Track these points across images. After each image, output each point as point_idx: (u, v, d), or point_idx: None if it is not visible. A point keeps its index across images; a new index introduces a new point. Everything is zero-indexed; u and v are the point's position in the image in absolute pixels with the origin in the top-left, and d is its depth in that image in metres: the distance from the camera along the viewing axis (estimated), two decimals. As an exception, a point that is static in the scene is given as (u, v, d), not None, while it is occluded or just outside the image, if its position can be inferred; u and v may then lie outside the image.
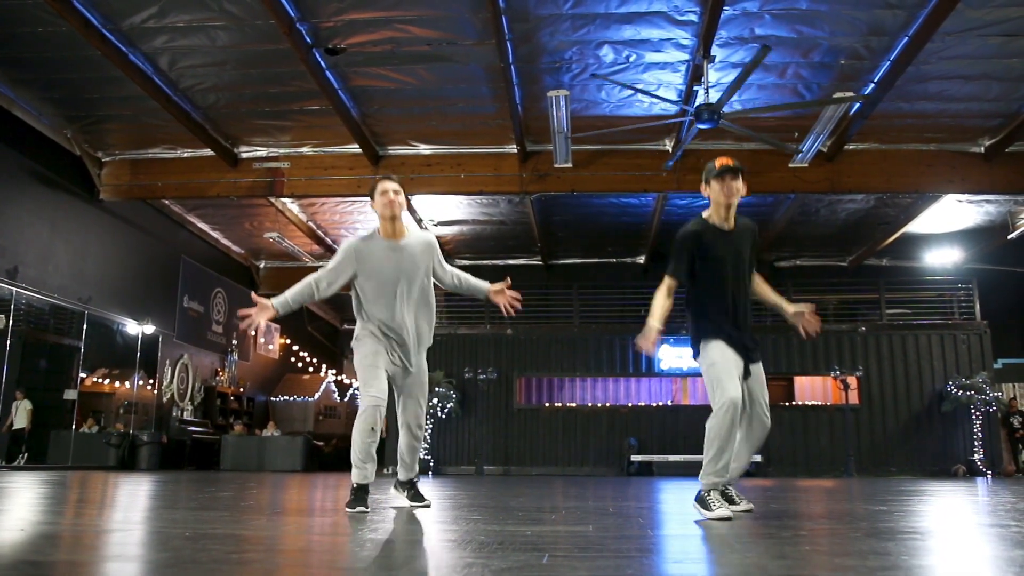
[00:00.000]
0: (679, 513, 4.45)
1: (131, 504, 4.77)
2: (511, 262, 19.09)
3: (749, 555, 2.49)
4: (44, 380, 15.10)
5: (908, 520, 3.85)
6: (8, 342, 12.79)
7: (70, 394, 15.41)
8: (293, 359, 22.57)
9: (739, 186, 4.18)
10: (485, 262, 19.11)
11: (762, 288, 4.53)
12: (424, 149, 13.55)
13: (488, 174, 13.52)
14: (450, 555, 2.44)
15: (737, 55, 10.52)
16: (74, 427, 14.83)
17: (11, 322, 12.78)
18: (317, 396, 21.27)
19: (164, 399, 16.58)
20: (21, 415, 13.96)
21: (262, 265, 20.19)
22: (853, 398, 15.91)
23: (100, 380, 16.55)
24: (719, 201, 4.21)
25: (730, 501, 4.04)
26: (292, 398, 21.20)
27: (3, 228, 11.94)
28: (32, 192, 12.63)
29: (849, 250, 18.43)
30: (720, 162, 4.18)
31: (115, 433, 15.00)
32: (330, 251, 18.39)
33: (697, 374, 17.06)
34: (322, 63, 10.79)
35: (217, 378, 18.43)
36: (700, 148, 13.20)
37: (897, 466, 15.65)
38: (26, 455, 13.86)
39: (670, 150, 13.14)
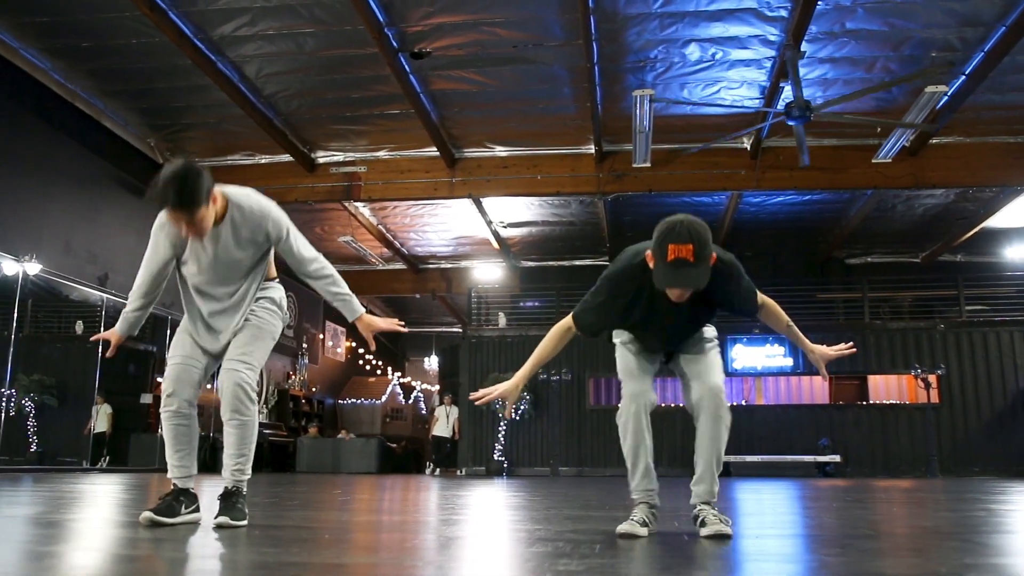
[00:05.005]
0: (755, 514, 4.40)
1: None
2: (576, 263, 19.03)
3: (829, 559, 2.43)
4: (122, 385, 15.42)
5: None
6: (100, 348, 13.07)
7: (145, 398, 15.72)
8: (360, 362, 22.78)
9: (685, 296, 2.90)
10: (551, 263, 19.11)
11: (772, 315, 3.22)
12: (500, 151, 13.57)
13: (565, 175, 13.50)
14: (523, 554, 2.44)
15: (825, 50, 10.40)
16: (160, 432, 15.09)
17: (103, 328, 13.07)
18: (384, 399, 21.44)
19: (240, 402, 16.81)
20: (102, 419, 14.26)
21: (329, 269, 20.36)
22: (933, 397, 15.61)
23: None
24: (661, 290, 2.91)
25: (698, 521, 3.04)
26: (359, 401, 21.39)
27: (94, 236, 12.22)
28: (119, 200, 12.91)
29: (923, 246, 18.08)
30: (673, 254, 2.79)
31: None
32: (398, 254, 18.53)
33: (771, 373, 17.02)
34: (406, 67, 10.86)
35: (289, 381, 18.66)
36: (778, 145, 13.08)
37: (981, 466, 15.31)
38: (108, 458, 14.16)
39: (748, 148, 13.04)
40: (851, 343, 3.36)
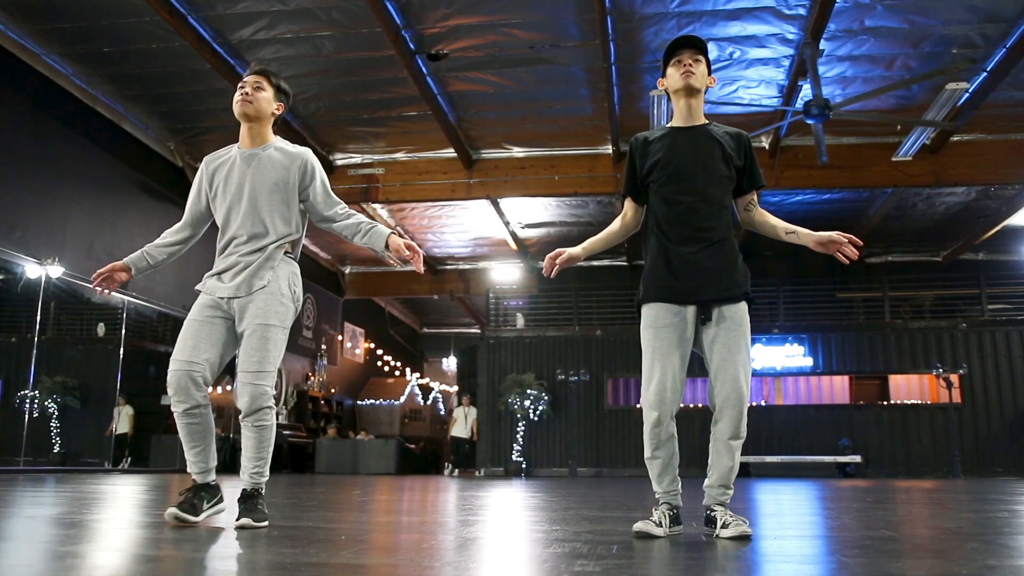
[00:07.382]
0: (774, 515, 4.37)
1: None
2: (595, 263, 18.99)
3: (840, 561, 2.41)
4: (143, 386, 15.57)
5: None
6: (121, 350, 13.20)
7: (166, 400, 15.83)
8: (379, 363, 22.85)
9: (703, 69, 3.19)
10: (569, 263, 19.08)
11: (766, 219, 3.37)
12: (518, 152, 13.58)
13: (582, 175, 13.49)
14: (541, 555, 2.43)
15: (844, 48, 10.33)
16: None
17: (124, 331, 13.19)
18: (403, 399, 21.49)
19: (260, 403, 16.90)
20: (124, 420, 14.38)
21: (347, 270, 20.47)
22: (955, 396, 15.47)
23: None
24: (676, 88, 3.19)
25: (713, 523, 3.02)
26: (378, 402, 21.46)
27: (116, 239, 12.31)
28: (140, 203, 13.01)
29: (944, 245, 17.92)
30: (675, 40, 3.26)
31: (217, 437, 15.36)
32: (416, 255, 18.56)
33: (790, 373, 16.93)
34: (423, 69, 10.89)
35: (308, 382, 18.73)
36: (797, 144, 13.01)
37: (1003, 466, 15.17)
38: (129, 459, 14.28)
39: (767, 147, 12.97)
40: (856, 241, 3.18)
